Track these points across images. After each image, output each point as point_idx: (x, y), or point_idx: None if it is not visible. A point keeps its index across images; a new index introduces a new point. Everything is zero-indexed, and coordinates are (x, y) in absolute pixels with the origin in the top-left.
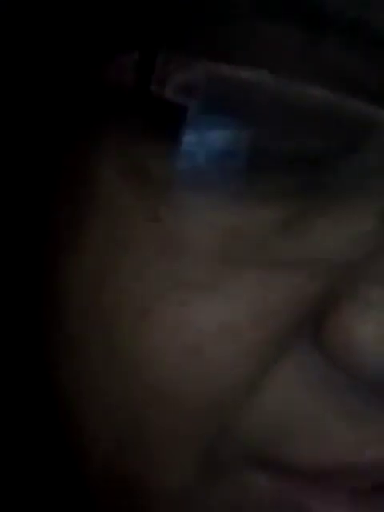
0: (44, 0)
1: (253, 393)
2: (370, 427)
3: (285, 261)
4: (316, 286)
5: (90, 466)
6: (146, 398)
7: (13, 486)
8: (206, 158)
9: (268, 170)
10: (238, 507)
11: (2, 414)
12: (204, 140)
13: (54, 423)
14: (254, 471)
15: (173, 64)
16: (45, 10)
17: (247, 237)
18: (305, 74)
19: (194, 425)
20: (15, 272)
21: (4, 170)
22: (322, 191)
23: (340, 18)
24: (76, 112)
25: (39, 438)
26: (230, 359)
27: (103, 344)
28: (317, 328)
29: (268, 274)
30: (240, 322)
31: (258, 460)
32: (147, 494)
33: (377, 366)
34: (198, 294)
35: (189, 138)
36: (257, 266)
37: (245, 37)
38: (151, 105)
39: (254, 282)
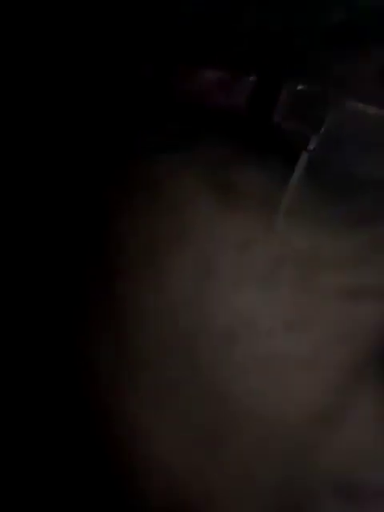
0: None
1: (331, 427)
2: None
3: (364, 291)
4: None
5: (151, 494)
6: (226, 420)
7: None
8: (315, 190)
9: (358, 196)
10: None
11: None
12: (318, 174)
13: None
14: (333, 501)
15: (299, 97)
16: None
17: (333, 265)
18: None
19: (275, 454)
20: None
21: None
22: None
23: None
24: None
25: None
26: (312, 390)
27: (179, 365)
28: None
29: (351, 303)
30: (323, 351)
31: (338, 488)
32: None
33: None
34: (285, 322)
35: (304, 170)
36: (340, 294)
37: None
38: (264, 133)
39: (338, 312)
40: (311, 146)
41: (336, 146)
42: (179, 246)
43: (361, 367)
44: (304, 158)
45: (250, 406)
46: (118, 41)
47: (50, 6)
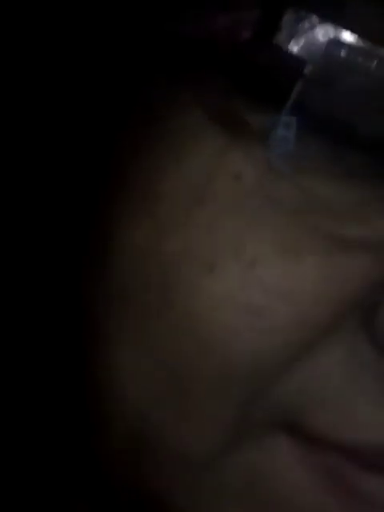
0: None
1: (297, 361)
2: None
3: (356, 240)
4: (379, 271)
5: (114, 423)
6: (194, 353)
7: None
8: (305, 124)
9: (360, 148)
10: (262, 470)
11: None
12: (310, 106)
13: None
14: (281, 436)
15: (300, 24)
16: None
17: (327, 209)
18: None
19: (236, 384)
20: (73, 212)
21: (82, 115)
22: None
23: None
24: (167, 60)
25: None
26: (287, 325)
27: (160, 294)
28: (372, 312)
29: (338, 248)
30: (304, 290)
31: (286, 425)
32: (164, 457)
33: None
34: (269, 255)
35: (296, 103)
36: (330, 239)
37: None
38: (264, 60)
39: (325, 254)
40: (307, 72)
41: (335, 83)
42: (174, 173)
43: (344, 313)
44: (298, 88)
45: (220, 339)
46: None
47: None
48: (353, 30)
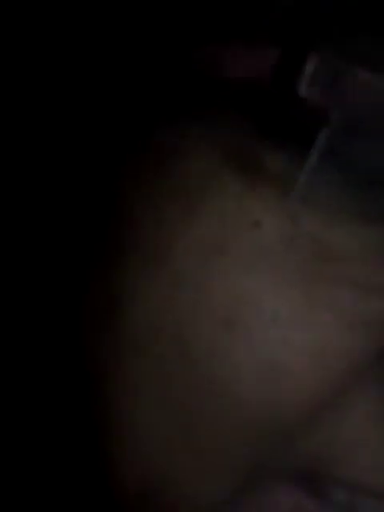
0: None
1: (321, 417)
2: None
3: (377, 286)
4: None
5: (128, 475)
6: (212, 411)
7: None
8: (328, 172)
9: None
10: None
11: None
12: (333, 154)
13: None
14: (292, 486)
15: (323, 68)
16: None
17: (346, 257)
18: None
19: (256, 442)
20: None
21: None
22: None
23: None
24: (186, 99)
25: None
26: (311, 382)
27: (175, 347)
28: None
29: (359, 297)
30: (330, 346)
31: (299, 482)
32: (174, 504)
33: None
34: (290, 311)
35: (324, 147)
36: (351, 289)
37: None
38: (288, 106)
39: (346, 305)
40: (333, 121)
41: (359, 131)
42: (189, 221)
43: (366, 364)
44: (324, 135)
45: (240, 397)
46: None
47: None
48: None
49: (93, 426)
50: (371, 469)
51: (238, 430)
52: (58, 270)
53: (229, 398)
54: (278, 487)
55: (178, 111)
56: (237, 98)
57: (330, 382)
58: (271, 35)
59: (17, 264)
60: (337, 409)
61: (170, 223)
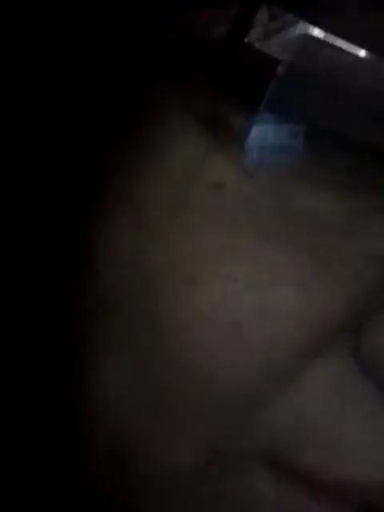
0: None
1: (282, 390)
2: None
3: (340, 257)
4: (363, 288)
5: (98, 436)
6: (174, 371)
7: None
8: (284, 128)
9: (344, 153)
10: (238, 505)
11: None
12: (286, 108)
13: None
14: (264, 471)
15: (273, 21)
16: None
17: (308, 224)
18: None
19: (215, 407)
20: (56, 223)
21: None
22: None
23: None
24: (150, 63)
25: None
26: (266, 345)
27: (141, 307)
28: (357, 333)
29: (323, 266)
30: (286, 309)
31: (270, 461)
32: (147, 473)
33: None
34: (250, 273)
35: (271, 104)
36: (314, 255)
37: (350, 13)
38: (239, 59)
39: (309, 272)
40: (280, 73)
41: (309, 83)
42: (156, 179)
43: (329, 336)
44: (272, 87)
45: (201, 356)
46: None
47: None
48: (327, 29)
49: (66, 385)
50: (329, 455)
51: (201, 388)
52: (38, 226)
53: (191, 356)
54: (249, 472)
55: (149, 73)
56: (199, 57)
57: (286, 349)
58: None
59: None
60: (295, 383)
61: (140, 183)
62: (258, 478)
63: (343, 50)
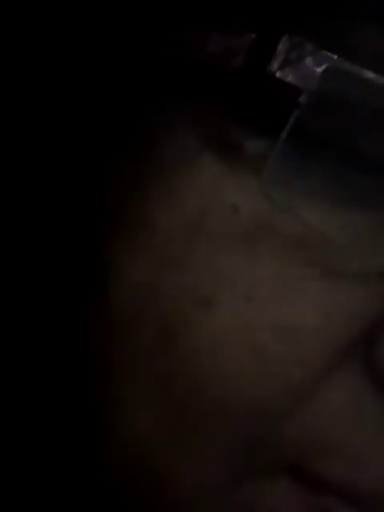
0: None
1: (301, 404)
2: None
3: (356, 273)
4: (375, 303)
5: (116, 454)
6: (195, 389)
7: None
8: (302, 153)
9: (359, 175)
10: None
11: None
12: (306, 134)
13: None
14: (283, 479)
15: (295, 51)
16: None
17: (325, 241)
18: None
19: (237, 425)
20: (68, 249)
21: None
22: None
23: None
24: (163, 87)
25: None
26: (287, 365)
27: (158, 329)
28: (371, 348)
29: (337, 283)
30: (302, 326)
31: (289, 469)
32: (167, 489)
33: None
34: (266, 292)
35: (292, 131)
36: (329, 273)
37: (369, 40)
38: (259, 88)
39: (323, 289)
40: (302, 103)
41: (333, 111)
42: (169, 203)
43: (343, 350)
44: (294, 116)
45: (218, 378)
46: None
47: None
48: (349, 59)
49: (86, 402)
50: (346, 464)
51: (220, 409)
52: (52, 246)
53: (209, 378)
54: (268, 482)
55: (161, 97)
56: (213, 83)
57: (303, 365)
58: (245, 20)
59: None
60: (313, 397)
61: (152, 208)
62: (277, 489)
63: (364, 79)
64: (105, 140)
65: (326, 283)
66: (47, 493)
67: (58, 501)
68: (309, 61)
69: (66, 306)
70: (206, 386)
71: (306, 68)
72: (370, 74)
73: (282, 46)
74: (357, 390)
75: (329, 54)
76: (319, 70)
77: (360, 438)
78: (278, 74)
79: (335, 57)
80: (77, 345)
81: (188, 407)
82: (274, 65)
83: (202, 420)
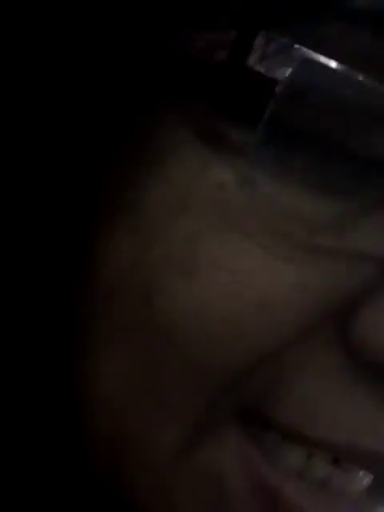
0: None
1: (270, 364)
2: (366, 419)
3: (331, 250)
4: (353, 280)
5: (97, 423)
6: (170, 354)
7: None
8: (283, 139)
9: (338, 163)
10: (213, 472)
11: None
12: (284, 123)
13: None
14: (236, 427)
15: (271, 45)
16: None
17: (303, 221)
18: None
19: (206, 382)
20: (60, 229)
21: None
22: (381, 192)
23: None
24: (148, 81)
25: (51, 399)
26: (261, 335)
27: (142, 301)
28: (346, 319)
29: (312, 258)
30: (281, 298)
31: (245, 413)
32: (138, 457)
33: None
34: (247, 265)
35: (270, 121)
36: (306, 249)
37: (341, 35)
38: (239, 81)
39: (301, 263)
40: (279, 90)
41: (306, 101)
42: (158, 184)
43: (315, 324)
44: (271, 106)
45: (196, 339)
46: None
47: None
48: (324, 52)
49: (67, 373)
50: (305, 414)
51: (191, 371)
52: (39, 231)
53: (185, 345)
54: (223, 434)
55: (152, 90)
56: (199, 77)
57: (277, 335)
58: (228, 17)
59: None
60: (283, 361)
61: (142, 188)
62: (229, 439)
63: (335, 70)
64: (100, 130)
65: (301, 260)
66: (31, 477)
67: (42, 488)
68: (283, 55)
69: (51, 284)
70: (181, 346)
71: (280, 61)
72: (338, 66)
73: (258, 41)
74: (327, 355)
75: (302, 48)
76: (293, 63)
77: (322, 395)
78: (255, 67)
79: (307, 50)
80: (61, 322)
81: (159, 368)
82: (252, 59)
83: (170, 379)
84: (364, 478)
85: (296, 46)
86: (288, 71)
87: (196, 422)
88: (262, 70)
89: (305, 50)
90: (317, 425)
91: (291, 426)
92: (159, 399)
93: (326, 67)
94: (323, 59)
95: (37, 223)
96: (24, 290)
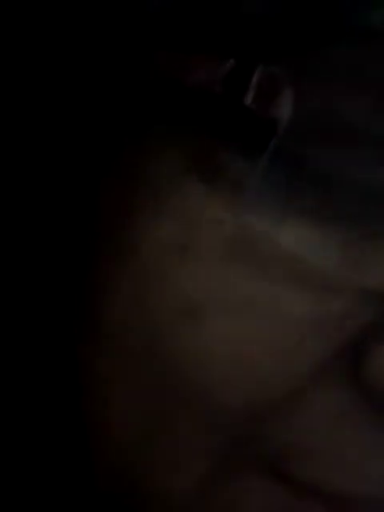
0: None
1: (284, 411)
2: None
3: (341, 285)
4: (365, 315)
5: (107, 458)
6: (176, 397)
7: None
8: (285, 171)
9: (338, 196)
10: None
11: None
12: (283, 159)
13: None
14: (261, 480)
15: (268, 81)
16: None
17: (309, 258)
18: None
19: (219, 429)
20: (59, 264)
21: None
22: None
23: None
24: (145, 110)
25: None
26: (273, 376)
27: (143, 342)
28: (358, 358)
29: (322, 295)
30: (290, 339)
31: (269, 471)
32: (149, 494)
33: None
34: (252, 306)
35: (274, 155)
36: (314, 288)
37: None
38: (239, 115)
39: (308, 302)
40: (280, 130)
41: (308, 139)
42: (157, 219)
43: (328, 362)
44: (273, 142)
45: (207, 383)
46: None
47: None
48: (321, 88)
49: (74, 413)
50: (328, 469)
51: (207, 416)
52: (42, 259)
53: (198, 385)
54: (250, 476)
55: (149, 119)
56: (199, 107)
57: (289, 377)
58: (229, 48)
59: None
60: (297, 405)
61: (140, 227)
62: (256, 488)
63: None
64: (94, 160)
65: (308, 298)
66: (38, 490)
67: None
68: (281, 92)
69: (53, 320)
70: (191, 390)
71: (280, 99)
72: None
73: (256, 78)
74: (340, 400)
75: (301, 83)
76: (291, 99)
77: (342, 444)
78: (253, 105)
79: (307, 86)
80: (65, 354)
81: (168, 410)
82: (250, 94)
83: (180, 422)
84: None
85: (295, 82)
86: (288, 108)
87: (211, 469)
88: (261, 108)
89: (304, 85)
90: (344, 475)
91: (318, 482)
92: (172, 439)
93: (328, 105)
94: (324, 95)
95: (35, 266)
96: (25, 334)
